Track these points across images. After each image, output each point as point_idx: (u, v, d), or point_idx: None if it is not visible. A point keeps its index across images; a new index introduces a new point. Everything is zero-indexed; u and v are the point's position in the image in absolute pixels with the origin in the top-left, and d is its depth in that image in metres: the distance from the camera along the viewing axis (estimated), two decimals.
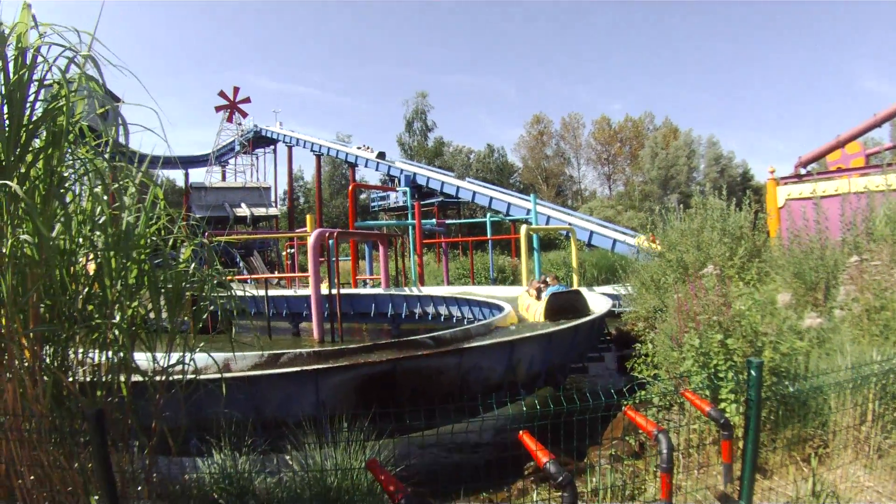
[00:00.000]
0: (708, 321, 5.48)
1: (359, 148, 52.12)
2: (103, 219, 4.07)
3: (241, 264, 44.53)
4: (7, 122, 3.56)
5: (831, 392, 4.92)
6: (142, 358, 4.39)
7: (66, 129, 3.84)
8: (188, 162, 58.55)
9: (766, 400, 5.00)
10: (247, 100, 59.66)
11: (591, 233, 31.55)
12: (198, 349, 4.48)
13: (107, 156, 4.29)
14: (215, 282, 4.79)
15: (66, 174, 4.06)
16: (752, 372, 3.38)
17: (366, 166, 50.52)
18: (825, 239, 7.52)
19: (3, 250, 3.54)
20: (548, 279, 15.40)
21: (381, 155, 49.61)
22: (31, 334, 3.74)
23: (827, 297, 6.83)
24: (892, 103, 16.32)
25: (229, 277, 5.45)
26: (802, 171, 14.52)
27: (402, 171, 46.46)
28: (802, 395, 4.97)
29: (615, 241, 29.79)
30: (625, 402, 4.90)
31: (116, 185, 4.28)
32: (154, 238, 4.44)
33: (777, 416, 5.11)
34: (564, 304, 12.84)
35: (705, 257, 8.97)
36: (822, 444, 5.03)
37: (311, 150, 53.93)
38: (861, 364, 4.84)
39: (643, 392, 6.66)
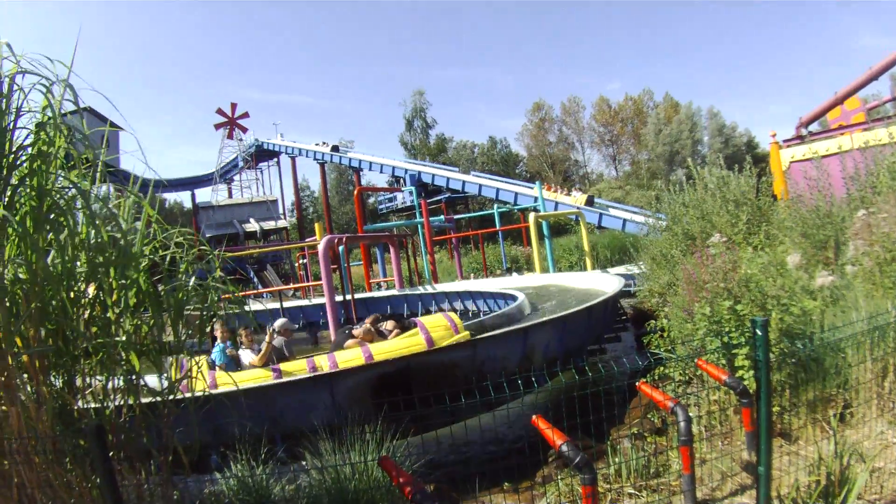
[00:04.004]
0: (716, 289, 5.41)
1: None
2: (100, 240, 4.05)
3: (255, 279, 44.65)
4: None
5: (848, 348, 4.84)
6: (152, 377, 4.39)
7: (48, 155, 3.84)
8: (193, 183, 58.75)
9: (783, 362, 4.93)
10: (245, 115, 59.63)
11: (601, 214, 31.44)
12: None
13: (98, 180, 4.30)
14: (218, 294, 4.77)
15: (56, 199, 4.05)
16: (758, 331, 3.31)
17: (370, 169, 50.76)
18: (830, 196, 7.42)
19: None
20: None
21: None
22: (36, 360, 3.73)
23: (838, 255, 6.74)
24: (887, 55, 16.15)
25: (240, 293, 5.46)
26: (804, 132, 14.39)
27: (406, 170, 46.60)
28: (819, 353, 4.89)
29: (625, 220, 29.68)
30: (640, 379, 4.84)
31: (109, 207, 4.27)
32: (152, 256, 4.43)
33: (797, 379, 5.03)
34: None
35: (710, 226, 8.89)
36: (845, 403, 4.95)
37: (315, 159, 54.08)
38: (875, 315, 4.76)
39: (661, 368, 6.60)
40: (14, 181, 3.75)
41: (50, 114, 3.84)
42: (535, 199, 33.25)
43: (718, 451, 4.97)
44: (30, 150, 3.83)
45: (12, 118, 3.76)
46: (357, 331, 9.11)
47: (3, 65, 3.76)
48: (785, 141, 11.80)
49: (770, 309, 5.07)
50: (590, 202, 34.60)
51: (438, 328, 8.86)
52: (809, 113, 15.98)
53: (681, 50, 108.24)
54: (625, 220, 29.72)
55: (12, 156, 3.73)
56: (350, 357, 8.31)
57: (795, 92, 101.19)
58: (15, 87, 3.76)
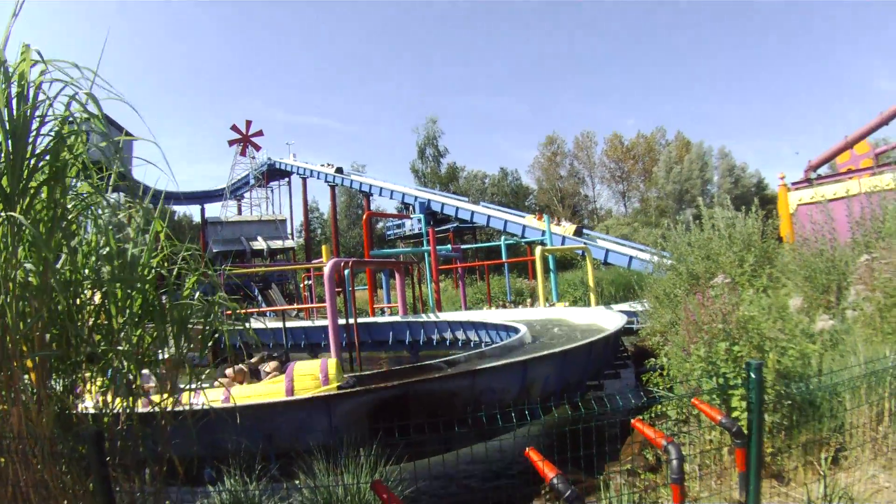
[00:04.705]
0: (714, 329, 5.43)
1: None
2: (107, 250, 4.12)
3: (260, 297, 44.69)
4: (11, 156, 3.65)
5: (845, 392, 4.85)
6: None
7: (67, 163, 3.93)
8: (203, 197, 59.06)
9: (778, 404, 4.94)
10: (259, 133, 60.06)
11: (607, 251, 31.46)
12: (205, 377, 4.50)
13: (110, 189, 4.39)
14: (222, 311, 4.82)
15: (69, 206, 4.13)
16: (752, 374, 3.34)
17: (380, 194, 50.96)
18: (834, 241, 7.46)
19: (9, 280, 3.60)
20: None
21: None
22: (38, 361, 3.79)
23: (839, 299, 6.76)
24: None
25: (244, 310, 5.51)
26: (813, 176, 14.47)
27: (416, 198, 46.80)
28: (815, 397, 4.90)
29: (631, 258, 29.69)
30: (636, 416, 4.85)
31: (118, 218, 4.35)
32: (158, 269, 4.50)
33: (791, 421, 5.03)
34: None
35: (715, 266, 8.91)
36: (840, 446, 4.95)
37: (326, 182, 54.34)
38: (873, 360, 4.78)
39: (658, 406, 6.59)
40: (32, 186, 3.83)
41: (71, 121, 3.95)
42: (543, 232, 33.36)
43: (710, 491, 4.96)
44: (48, 156, 3.92)
45: (36, 125, 3.85)
46: (230, 370, 9.05)
47: (30, 72, 3.87)
48: (793, 184, 11.90)
49: (767, 350, 5.09)
50: (578, 233, 35.12)
51: (305, 378, 8.61)
52: (819, 156, 16.09)
53: (695, 89, 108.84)
54: (630, 258, 29.72)
55: (34, 159, 3.82)
56: (210, 398, 8.15)
57: (810, 133, 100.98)
58: (41, 95, 3.86)
